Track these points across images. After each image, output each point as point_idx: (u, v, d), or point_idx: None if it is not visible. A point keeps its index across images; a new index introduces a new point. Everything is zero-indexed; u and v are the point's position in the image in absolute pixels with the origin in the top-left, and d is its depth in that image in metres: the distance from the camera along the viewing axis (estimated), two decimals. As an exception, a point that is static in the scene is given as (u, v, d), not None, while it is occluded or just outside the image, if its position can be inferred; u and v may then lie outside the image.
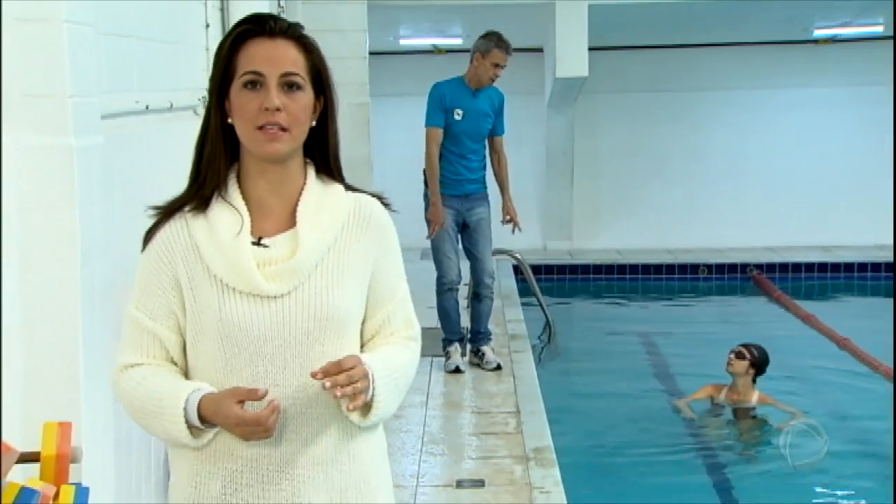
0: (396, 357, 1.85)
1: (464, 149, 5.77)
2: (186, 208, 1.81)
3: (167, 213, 1.82)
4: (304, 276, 1.77)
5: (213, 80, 1.81)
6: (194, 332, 1.79)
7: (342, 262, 1.81)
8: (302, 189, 1.83)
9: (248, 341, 1.75)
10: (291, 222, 1.81)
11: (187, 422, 1.74)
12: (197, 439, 1.76)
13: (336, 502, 1.80)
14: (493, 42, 5.70)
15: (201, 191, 1.80)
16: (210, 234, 1.78)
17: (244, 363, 1.76)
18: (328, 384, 1.67)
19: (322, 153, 1.86)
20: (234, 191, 1.81)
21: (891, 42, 10.11)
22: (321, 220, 1.80)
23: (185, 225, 1.80)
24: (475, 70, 5.76)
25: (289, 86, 1.77)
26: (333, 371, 1.69)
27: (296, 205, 1.81)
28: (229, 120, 1.80)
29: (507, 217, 6.00)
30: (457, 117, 5.72)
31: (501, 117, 5.92)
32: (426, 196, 5.81)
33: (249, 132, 1.77)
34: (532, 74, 10.05)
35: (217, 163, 1.81)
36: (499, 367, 5.91)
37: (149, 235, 1.83)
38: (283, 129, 1.76)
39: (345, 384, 1.68)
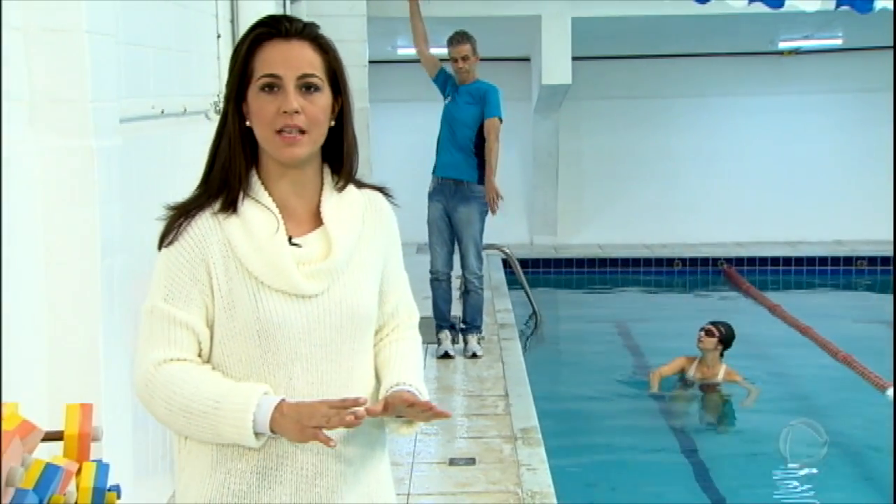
0: (414, 357, 1.77)
1: (449, 131, 5.85)
2: (216, 207, 1.66)
3: (186, 211, 1.66)
4: (338, 275, 1.67)
5: (230, 83, 1.67)
6: (223, 330, 1.64)
7: (365, 259, 1.72)
8: (321, 190, 1.72)
9: (284, 340, 1.62)
10: (315, 222, 1.70)
11: (254, 427, 1.57)
12: (256, 441, 1.60)
13: (365, 501, 1.70)
14: (447, 45, 5.89)
15: (227, 194, 1.66)
16: (245, 233, 1.64)
17: (280, 363, 1.63)
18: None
19: (338, 154, 1.72)
20: (261, 190, 1.67)
21: (848, 54, 10.17)
22: (344, 219, 1.70)
23: (217, 222, 1.65)
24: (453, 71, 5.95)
25: (306, 87, 1.64)
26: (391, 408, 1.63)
27: (317, 206, 1.70)
28: (247, 123, 1.66)
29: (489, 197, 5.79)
30: (447, 101, 5.93)
31: (488, 104, 5.83)
32: (428, 195, 5.92)
33: (268, 136, 1.64)
34: (520, 82, 10.04)
35: (237, 167, 1.66)
36: (474, 356, 5.85)
37: (169, 231, 1.66)
38: (302, 132, 1.63)
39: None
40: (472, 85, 5.85)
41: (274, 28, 1.65)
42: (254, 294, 1.62)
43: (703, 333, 5.90)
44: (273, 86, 1.63)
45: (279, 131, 1.63)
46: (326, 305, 1.65)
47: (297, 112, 1.62)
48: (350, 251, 1.69)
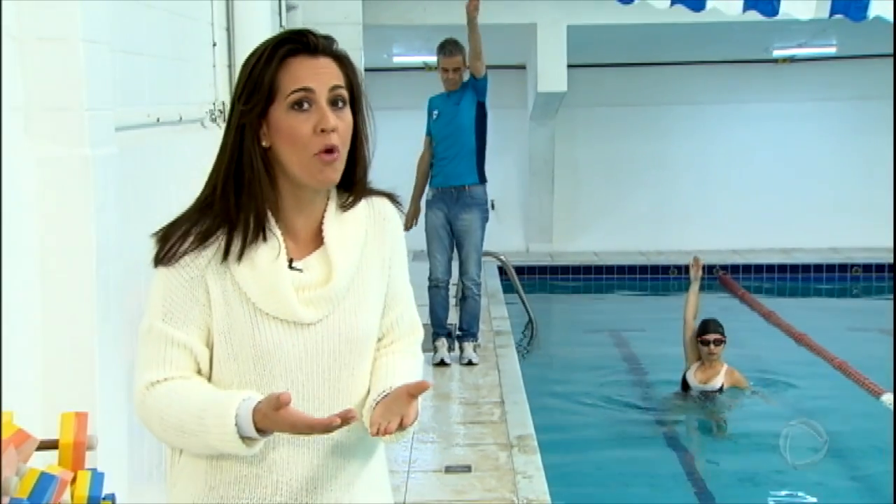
0: (413, 370, 1.72)
1: (440, 142, 5.86)
2: (226, 236, 1.58)
3: (186, 230, 1.60)
4: (338, 301, 1.62)
5: (254, 101, 1.56)
6: (220, 352, 1.60)
7: (367, 278, 1.66)
8: (325, 207, 1.65)
9: (281, 367, 1.59)
10: (317, 242, 1.64)
11: (240, 434, 1.52)
12: (250, 448, 1.55)
13: None
14: (437, 52, 5.88)
15: (253, 222, 1.58)
16: (245, 257, 1.59)
17: (277, 388, 1.57)
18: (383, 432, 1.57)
19: (350, 170, 1.64)
20: (267, 213, 1.61)
21: (842, 62, 10.21)
22: (346, 239, 1.64)
23: (219, 245, 1.59)
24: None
25: (335, 103, 1.58)
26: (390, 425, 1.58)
27: (319, 223, 1.64)
28: (264, 143, 1.58)
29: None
30: (433, 117, 5.94)
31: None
32: (427, 203, 5.93)
33: (304, 160, 1.55)
34: (515, 89, 10.07)
35: (262, 194, 1.57)
36: (470, 364, 5.86)
37: (168, 249, 1.60)
38: (335, 151, 1.57)
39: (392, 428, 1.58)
40: (456, 90, 5.87)
41: (300, 43, 1.58)
42: (251, 320, 1.58)
43: (712, 346, 5.78)
44: (304, 102, 1.55)
45: (317, 153, 1.55)
46: (324, 332, 1.61)
47: (334, 130, 1.56)
48: (351, 274, 1.64)
